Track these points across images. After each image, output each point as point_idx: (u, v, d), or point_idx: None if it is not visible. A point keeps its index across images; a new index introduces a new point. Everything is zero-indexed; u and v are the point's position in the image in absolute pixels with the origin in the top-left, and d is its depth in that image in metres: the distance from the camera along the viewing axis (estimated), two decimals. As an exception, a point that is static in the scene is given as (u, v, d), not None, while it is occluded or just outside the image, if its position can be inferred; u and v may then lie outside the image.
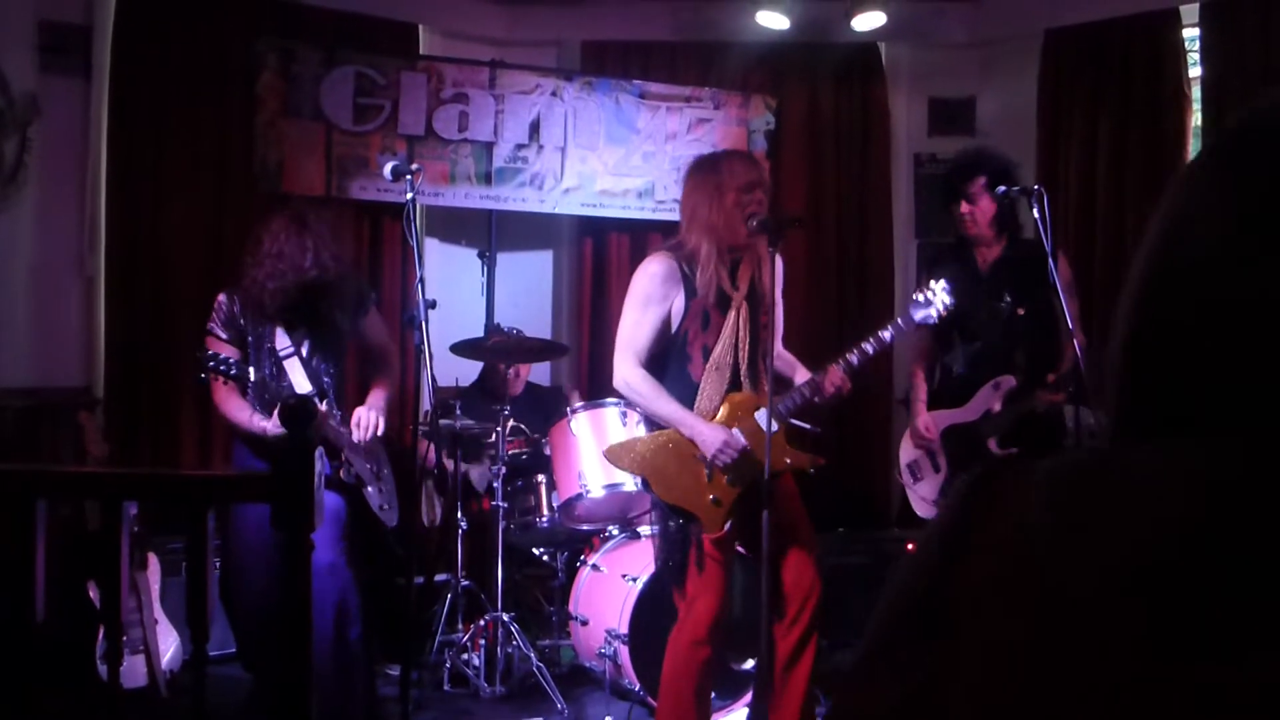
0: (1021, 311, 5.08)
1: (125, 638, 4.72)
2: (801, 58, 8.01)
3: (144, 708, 5.12)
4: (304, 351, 4.79)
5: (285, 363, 4.76)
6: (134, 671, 5.21)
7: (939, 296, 4.49)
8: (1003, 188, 4.88)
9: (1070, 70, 7.44)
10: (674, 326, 4.24)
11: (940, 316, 4.53)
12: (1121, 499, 0.87)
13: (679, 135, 7.74)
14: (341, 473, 4.68)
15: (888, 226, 8.14)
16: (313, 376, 4.77)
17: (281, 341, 4.76)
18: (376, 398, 4.89)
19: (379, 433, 4.79)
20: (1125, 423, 0.96)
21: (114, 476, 3.16)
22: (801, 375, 4.42)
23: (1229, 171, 0.91)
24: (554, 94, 7.47)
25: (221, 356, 4.55)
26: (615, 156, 7.61)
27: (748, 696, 5.08)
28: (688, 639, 4.24)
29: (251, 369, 4.63)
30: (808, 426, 4.41)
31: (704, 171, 4.34)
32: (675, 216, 7.56)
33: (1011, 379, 5.02)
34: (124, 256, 6.64)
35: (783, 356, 4.53)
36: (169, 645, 5.49)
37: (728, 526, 4.17)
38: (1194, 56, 6.99)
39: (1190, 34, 7.00)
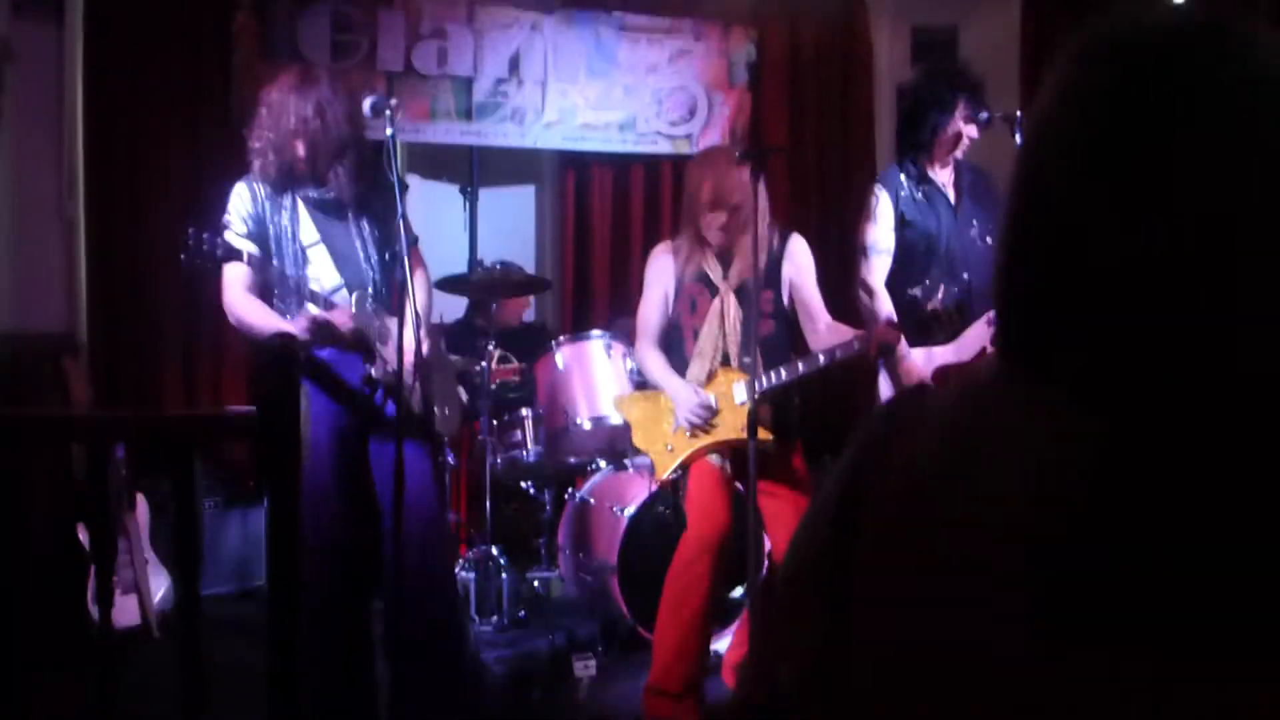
0: (991, 241, 4.85)
1: (116, 578, 4.74)
2: (782, -13, 7.96)
3: (137, 646, 5.15)
4: (337, 236, 4.25)
5: (309, 251, 4.23)
6: (126, 611, 5.24)
7: (944, 319, 4.59)
8: (985, 113, 4.73)
9: (1053, 2, 7.39)
10: (670, 308, 4.60)
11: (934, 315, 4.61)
12: (1011, 444, 0.88)
13: (660, 67, 7.69)
14: (373, 370, 4.19)
15: (870, 157, 8.11)
16: (345, 265, 4.24)
17: (306, 228, 4.23)
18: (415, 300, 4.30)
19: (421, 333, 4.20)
20: (1010, 354, 0.96)
21: (99, 420, 3.16)
22: (850, 334, 4.44)
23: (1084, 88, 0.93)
24: (533, 28, 7.42)
25: (203, 235, 4.02)
26: (596, 90, 7.57)
27: (736, 623, 5.13)
28: (681, 559, 4.39)
29: (276, 261, 4.17)
30: (796, 399, 4.55)
31: (691, 173, 4.64)
32: (657, 149, 7.63)
33: None
34: (103, 200, 6.61)
35: (836, 330, 4.54)
36: (160, 585, 5.52)
37: (672, 475, 4.54)
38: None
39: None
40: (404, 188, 4.42)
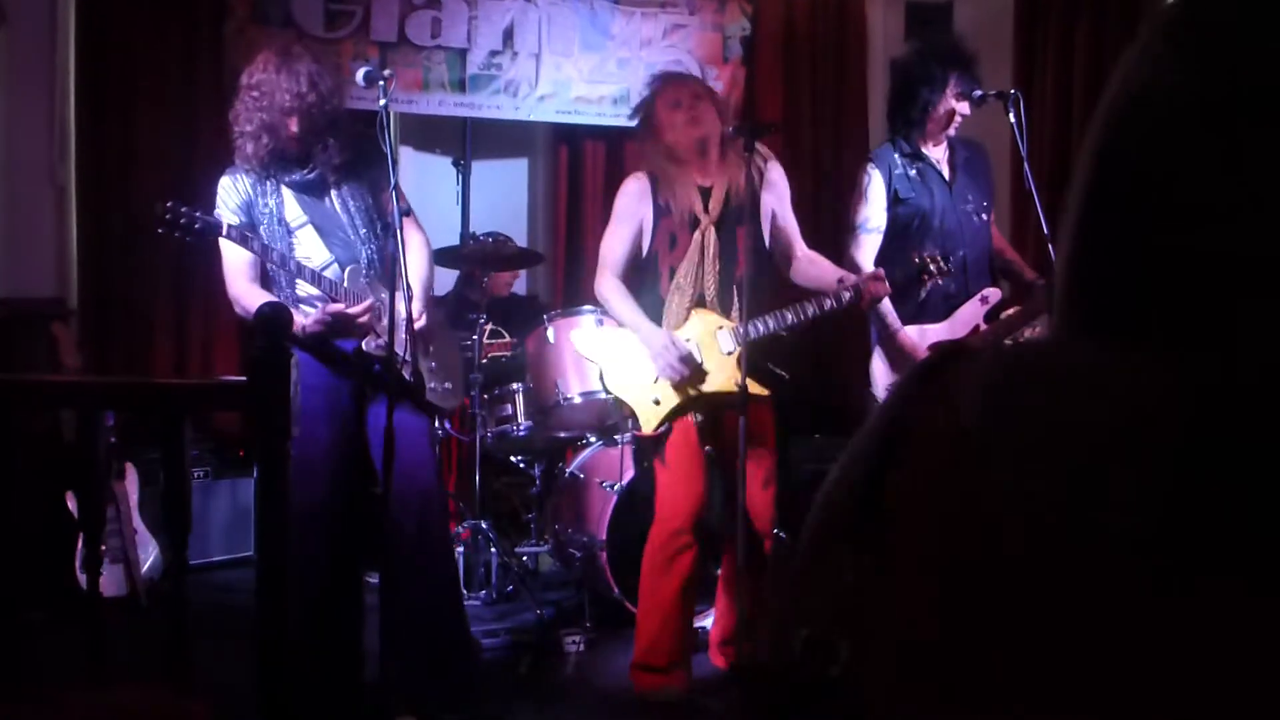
0: (985, 218, 4.87)
1: (104, 547, 4.74)
2: (778, -38, 7.93)
3: (124, 615, 5.15)
4: (323, 215, 4.20)
5: (298, 232, 4.21)
6: (114, 580, 5.24)
7: (938, 265, 4.44)
8: (979, 91, 4.71)
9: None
10: (645, 244, 4.38)
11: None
12: (1059, 397, 0.87)
13: (654, 41, 7.67)
14: (368, 343, 4.15)
15: (863, 134, 8.09)
16: (334, 242, 4.21)
17: (291, 210, 4.20)
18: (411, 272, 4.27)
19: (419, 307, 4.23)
20: (1071, 316, 0.95)
21: (90, 386, 3.15)
22: (831, 275, 4.41)
23: (1182, 50, 0.90)
24: (528, 0, 7.38)
25: (179, 208, 3.96)
26: (590, 63, 7.54)
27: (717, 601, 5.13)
28: (662, 530, 4.33)
29: (275, 249, 4.13)
30: (779, 371, 4.47)
31: (642, 101, 4.49)
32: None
33: (998, 291, 4.79)
34: (95, 165, 6.59)
35: (803, 261, 4.53)
36: (148, 554, 5.53)
37: (660, 429, 4.31)
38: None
39: (1170, -63, 6.93)
40: (394, 158, 4.40)
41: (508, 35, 7.34)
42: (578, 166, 7.88)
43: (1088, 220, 0.93)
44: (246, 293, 4.18)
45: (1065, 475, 0.83)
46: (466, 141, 7.47)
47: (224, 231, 3.99)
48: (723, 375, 4.25)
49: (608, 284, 4.39)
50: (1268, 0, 0.88)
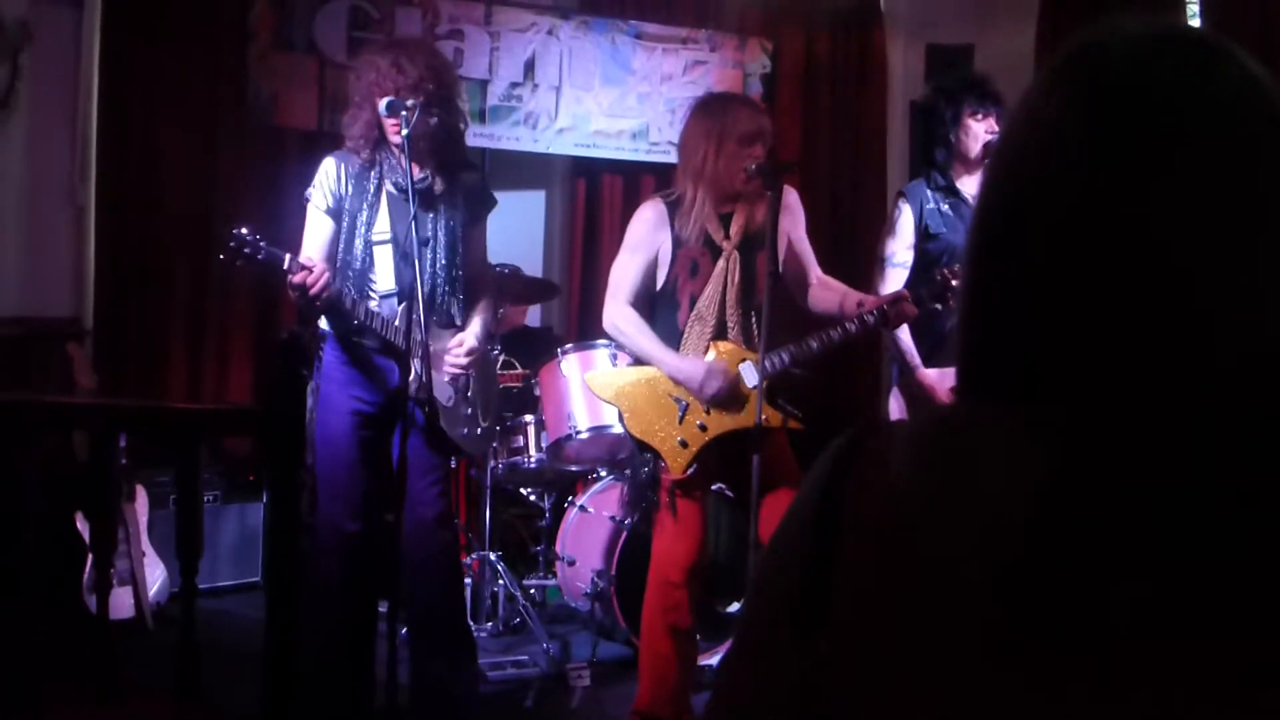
0: None
1: (113, 569, 4.73)
2: (799, 1, 7.96)
3: (130, 639, 5.14)
4: (410, 234, 3.98)
5: (375, 249, 4.14)
6: (121, 603, 5.23)
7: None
8: (997, 132, 4.69)
9: (1070, 20, 7.38)
10: (662, 273, 4.25)
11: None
12: (982, 461, 0.88)
13: (675, 77, 7.69)
14: (410, 383, 4.00)
15: (882, 174, 8.11)
16: (404, 270, 4.10)
17: (381, 220, 4.14)
18: (474, 323, 4.36)
19: (466, 361, 4.26)
20: (974, 378, 0.96)
21: (104, 408, 3.16)
22: (850, 299, 4.29)
23: (1070, 107, 0.91)
24: (550, 33, 7.41)
25: (245, 235, 3.83)
26: (610, 97, 7.56)
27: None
28: (663, 582, 4.23)
29: (342, 250, 4.13)
30: (797, 370, 4.34)
31: (707, 115, 4.25)
32: (669, 159, 7.59)
33: None
34: (115, 186, 6.60)
35: (819, 289, 4.45)
36: (156, 578, 5.52)
37: (690, 471, 4.16)
38: (1193, 9, 6.95)
39: (1191, -15, 6.96)
40: (492, 203, 4.45)
41: (529, 67, 7.37)
42: (595, 200, 7.89)
43: (975, 274, 0.96)
44: (306, 246, 4.16)
45: (972, 549, 0.85)
46: (484, 172, 7.49)
47: (286, 265, 3.88)
48: (751, 409, 4.06)
49: (622, 313, 4.23)
50: (1150, 43, 0.90)
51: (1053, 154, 0.90)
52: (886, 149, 8.13)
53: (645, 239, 4.26)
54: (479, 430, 4.46)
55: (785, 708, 0.91)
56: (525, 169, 7.86)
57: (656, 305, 4.28)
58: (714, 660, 4.99)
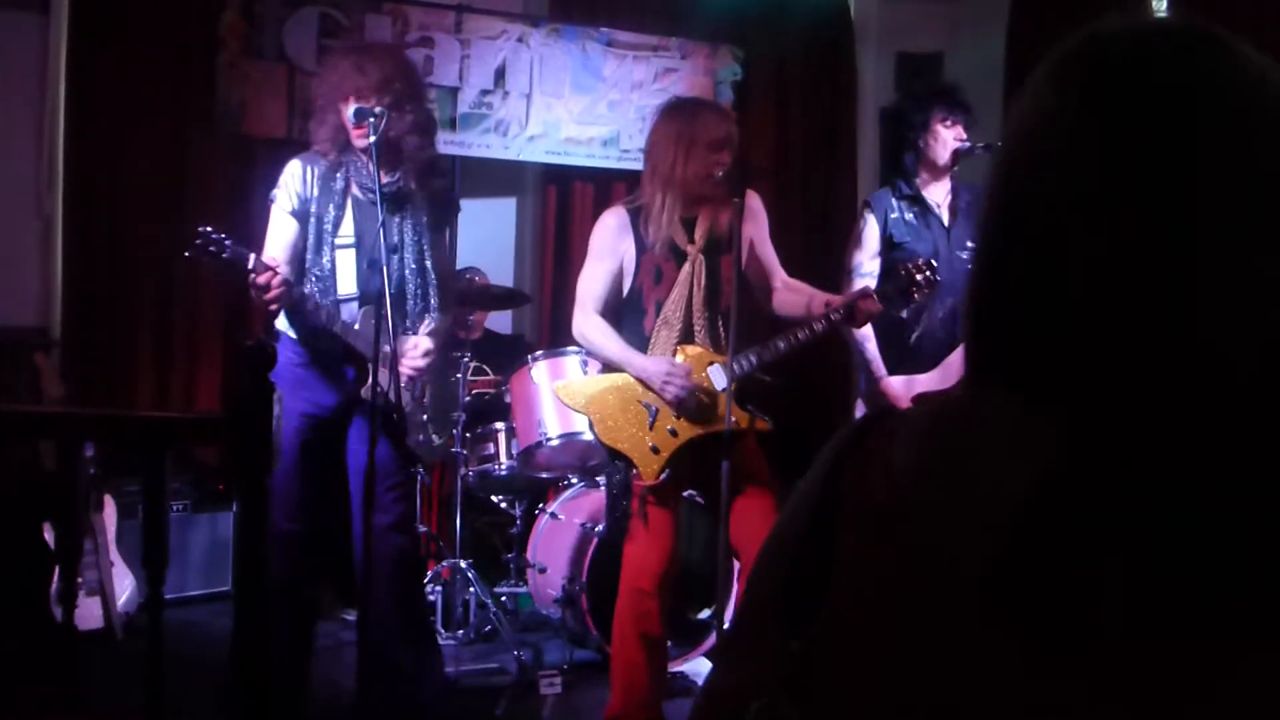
0: None
1: (80, 579, 4.70)
2: (770, 9, 7.98)
3: (99, 650, 5.10)
4: (375, 238, 3.98)
5: (339, 253, 4.14)
6: (89, 613, 5.20)
7: (925, 274, 4.28)
8: (967, 143, 4.70)
9: (1039, 28, 7.42)
10: (628, 280, 4.26)
11: (913, 290, 4.32)
12: (981, 453, 0.88)
13: (645, 84, 7.70)
14: (363, 391, 4.07)
15: (852, 181, 8.13)
16: (366, 279, 4.13)
17: (345, 224, 4.15)
18: (433, 327, 4.34)
19: (423, 363, 4.26)
20: (978, 366, 0.96)
21: (71, 417, 3.13)
22: (817, 300, 4.26)
23: (1072, 93, 0.92)
24: (520, 40, 7.41)
25: (212, 233, 3.84)
26: (581, 105, 7.57)
27: (705, 644, 5.11)
28: (634, 590, 4.22)
29: (308, 251, 4.12)
30: (766, 378, 4.33)
31: (675, 119, 4.29)
32: (640, 166, 7.55)
33: None
34: (82, 196, 6.57)
35: (784, 292, 4.43)
36: (125, 588, 5.48)
37: (663, 476, 4.15)
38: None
39: (1159, -4, 7.00)
40: (456, 208, 4.43)
41: (499, 75, 7.36)
42: (566, 207, 7.89)
43: (991, 259, 0.95)
44: (268, 246, 4.15)
45: (966, 541, 0.85)
46: (455, 179, 7.47)
47: (250, 264, 3.88)
48: (720, 413, 4.08)
49: (590, 322, 4.25)
50: (1156, 36, 0.91)
51: (1063, 147, 0.90)
52: (857, 156, 8.15)
53: (609, 246, 4.27)
54: (434, 437, 4.47)
55: (775, 692, 0.91)
56: (496, 176, 7.86)
57: (622, 312, 4.29)
58: (685, 667, 4.99)
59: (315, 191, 4.15)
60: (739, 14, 7.92)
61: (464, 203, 7.44)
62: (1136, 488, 0.81)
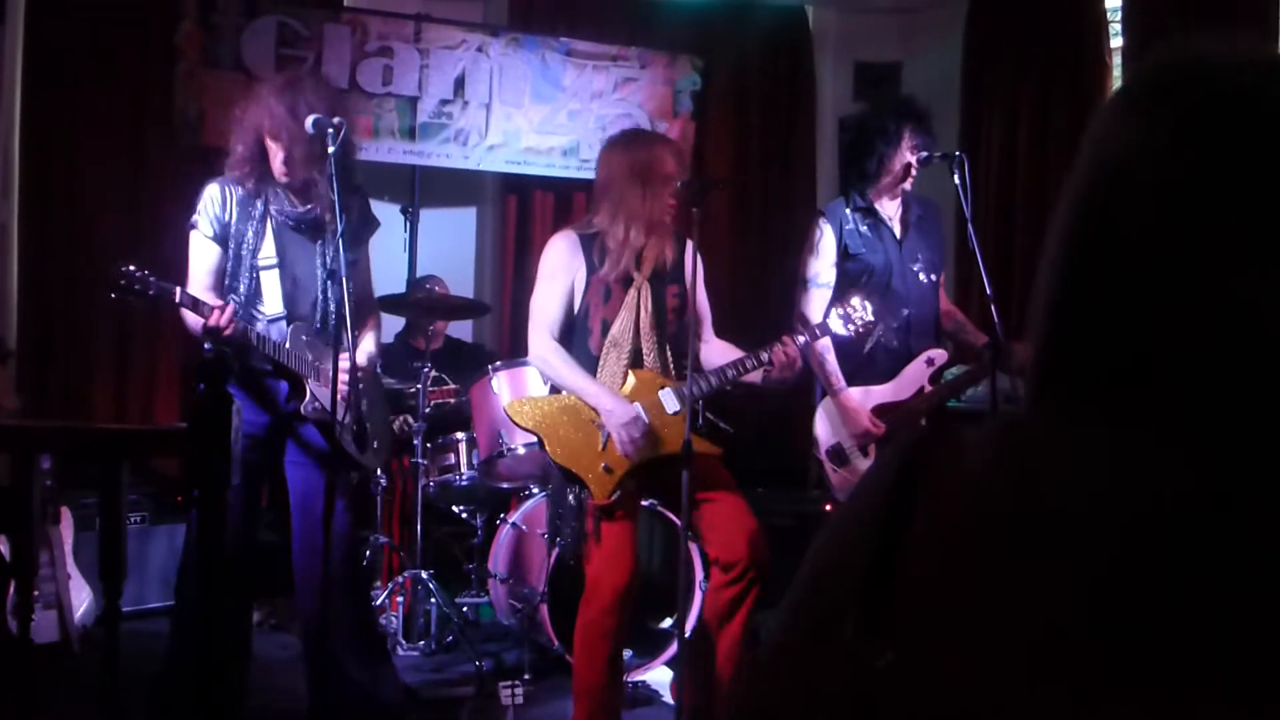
0: (934, 278, 4.84)
1: (36, 592, 4.66)
2: (729, 19, 8.03)
3: (55, 663, 5.06)
4: (297, 260, 4.20)
5: (262, 274, 4.18)
6: (46, 626, 5.16)
7: (859, 314, 4.38)
8: (925, 153, 4.71)
9: (994, 37, 7.49)
10: (577, 300, 4.26)
11: (857, 334, 4.44)
12: (1069, 476, 0.86)
13: (605, 94, 7.71)
14: (304, 408, 4.17)
15: (811, 190, 8.18)
16: (294, 294, 4.22)
17: (266, 246, 4.19)
18: (360, 343, 4.34)
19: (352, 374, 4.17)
20: (1048, 388, 0.94)
21: (27, 429, 3.11)
22: (733, 357, 4.34)
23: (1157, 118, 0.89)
24: (480, 50, 7.41)
25: (134, 272, 3.89)
26: (541, 114, 7.57)
27: (665, 654, 5.11)
28: (596, 609, 4.19)
29: (229, 276, 4.17)
30: (723, 425, 4.37)
31: (634, 152, 4.31)
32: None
33: (943, 353, 4.75)
34: (38, 204, 6.53)
35: (714, 345, 4.46)
36: (82, 600, 5.44)
37: (615, 496, 4.14)
38: (1116, 27, 7.06)
39: (1113, 3, 7.06)
40: (375, 225, 4.46)
41: (459, 84, 7.36)
42: (526, 217, 7.89)
43: (1074, 288, 0.92)
44: (192, 286, 4.15)
45: (1058, 567, 0.82)
46: (415, 189, 7.46)
47: (177, 298, 3.92)
48: (672, 435, 4.12)
49: (546, 345, 4.23)
50: (1246, 71, 0.88)
51: (1159, 180, 0.88)
52: (817, 166, 8.20)
53: (561, 266, 4.27)
54: (373, 448, 4.48)
55: (828, 711, 0.89)
56: (456, 186, 7.85)
57: (572, 332, 4.29)
58: (645, 676, 4.99)
59: (234, 214, 4.19)
60: (698, 24, 7.96)
61: (424, 212, 7.48)
62: (1240, 525, 0.78)
